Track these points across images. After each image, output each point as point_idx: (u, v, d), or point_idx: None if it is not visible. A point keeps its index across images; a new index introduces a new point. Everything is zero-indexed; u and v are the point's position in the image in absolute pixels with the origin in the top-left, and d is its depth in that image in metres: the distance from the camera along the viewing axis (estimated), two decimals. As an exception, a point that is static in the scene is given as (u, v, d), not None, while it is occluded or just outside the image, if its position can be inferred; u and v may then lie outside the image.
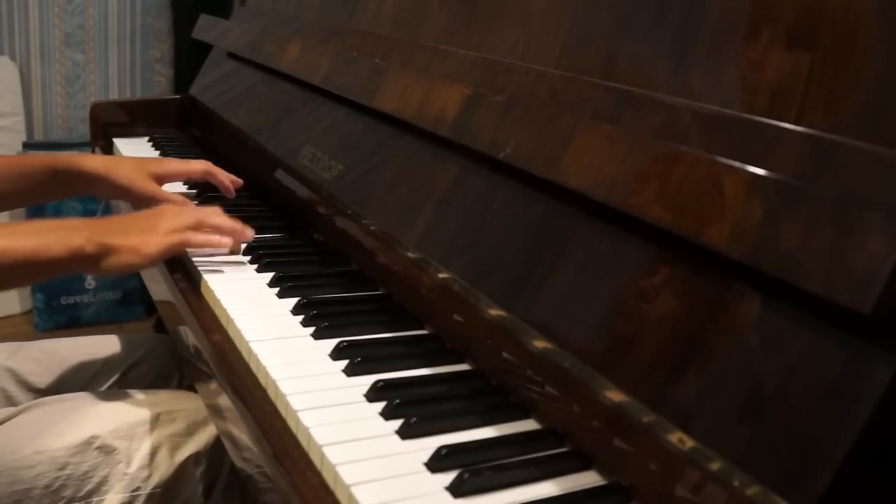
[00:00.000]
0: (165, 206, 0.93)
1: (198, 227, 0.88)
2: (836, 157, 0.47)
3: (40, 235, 0.80)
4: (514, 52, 0.83)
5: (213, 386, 0.75)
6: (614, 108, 0.65)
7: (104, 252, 0.81)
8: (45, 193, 1.11)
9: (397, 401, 0.62)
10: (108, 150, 1.53)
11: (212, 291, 0.82)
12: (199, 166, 1.12)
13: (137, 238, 0.83)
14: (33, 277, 0.83)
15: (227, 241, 0.91)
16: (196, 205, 1.10)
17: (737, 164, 0.51)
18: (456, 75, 0.86)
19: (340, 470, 0.54)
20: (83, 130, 2.47)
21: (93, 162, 1.07)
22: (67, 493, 0.83)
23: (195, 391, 0.96)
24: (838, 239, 0.43)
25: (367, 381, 0.65)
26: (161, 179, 1.10)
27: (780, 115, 0.54)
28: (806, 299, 0.45)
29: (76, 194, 1.12)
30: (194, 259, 0.90)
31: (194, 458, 0.88)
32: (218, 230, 0.91)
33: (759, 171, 0.49)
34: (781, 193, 0.47)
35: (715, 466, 0.46)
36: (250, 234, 0.93)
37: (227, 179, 1.13)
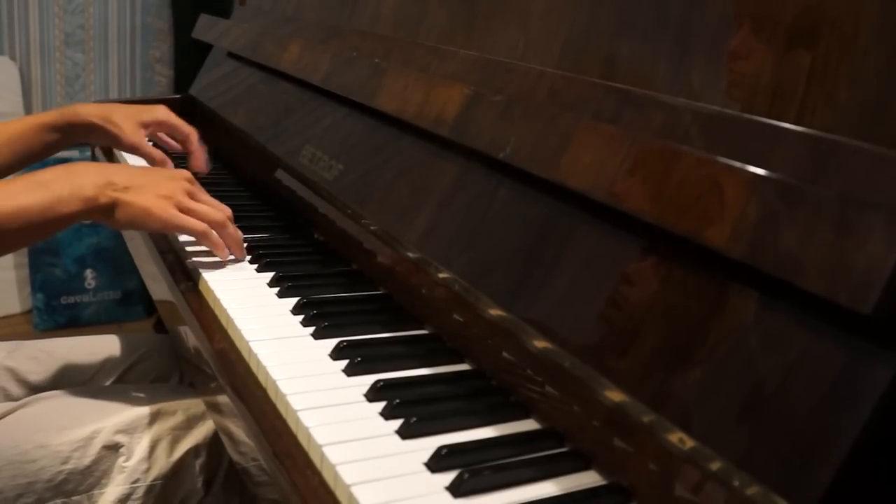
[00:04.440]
0: (183, 174, 0.90)
1: (220, 226, 0.87)
2: (836, 157, 0.47)
3: (50, 190, 0.78)
4: (514, 51, 0.83)
5: (213, 386, 0.75)
6: (614, 108, 0.65)
7: (118, 203, 0.81)
8: (45, 152, 1.13)
9: (397, 401, 0.62)
10: (108, 150, 1.53)
11: (212, 291, 0.82)
12: (183, 126, 1.20)
13: (153, 200, 0.82)
14: (48, 233, 0.83)
15: (228, 256, 0.90)
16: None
17: (737, 163, 0.51)
18: (456, 75, 0.86)
19: (340, 470, 0.54)
20: (83, 130, 2.47)
21: (87, 109, 1.12)
22: (69, 486, 0.84)
23: (194, 390, 0.96)
24: (838, 239, 0.43)
25: (367, 380, 0.65)
26: (149, 127, 1.17)
27: (780, 114, 0.54)
28: (806, 299, 0.45)
29: (73, 144, 1.15)
30: (195, 259, 0.90)
31: (194, 451, 0.88)
32: (230, 240, 0.89)
33: (759, 171, 0.49)
34: (781, 193, 0.47)
35: (715, 466, 0.46)
36: (243, 255, 0.92)
37: (199, 152, 1.20)
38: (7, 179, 0.80)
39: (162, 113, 1.18)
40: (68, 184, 0.80)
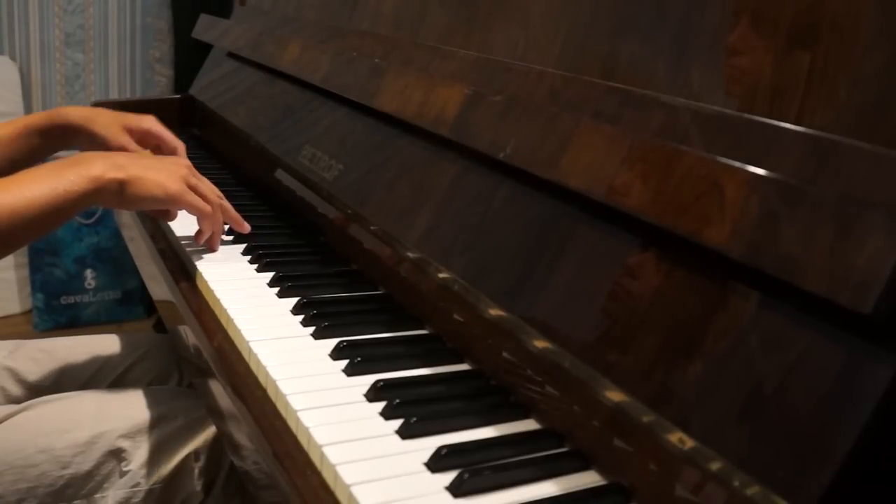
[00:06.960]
0: (182, 160, 0.94)
1: (215, 207, 0.90)
2: (836, 157, 0.47)
3: (58, 176, 0.79)
4: (514, 51, 0.83)
5: (213, 385, 0.75)
6: (614, 108, 0.65)
7: (127, 180, 0.82)
8: (32, 157, 1.10)
9: (397, 401, 0.62)
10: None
11: (212, 291, 0.82)
12: (172, 139, 1.13)
13: (160, 174, 0.84)
14: (61, 219, 0.83)
15: (216, 246, 0.94)
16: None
17: (737, 163, 0.51)
18: (456, 75, 0.86)
19: (340, 470, 0.54)
20: (83, 130, 2.47)
21: (74, 112, 1.09)
22: (70, 491, 0.84)
23: (195, 390, 0.96)
24: (838, 239, 0.43)
25: (367, 380, 0.65)
26: (134, 133, 1.11)
27: (780, 114, 0.54)
28: (806, 299, 0.45)
29: (59, 148, 1.12)
30: (194, 259, 0.90)
31: (194, 455, 0.88)
32: (228, 218, 0.95)
33: (759, 171, 0.49)
34: (781, 193, 0.47)
35: (715, 466, 0.46)
36: (247, 227, 0.97)
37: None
38: (15, 175, 0.79)
39: (148, 122, 1.13)
40: (75, 168, 0.80)
